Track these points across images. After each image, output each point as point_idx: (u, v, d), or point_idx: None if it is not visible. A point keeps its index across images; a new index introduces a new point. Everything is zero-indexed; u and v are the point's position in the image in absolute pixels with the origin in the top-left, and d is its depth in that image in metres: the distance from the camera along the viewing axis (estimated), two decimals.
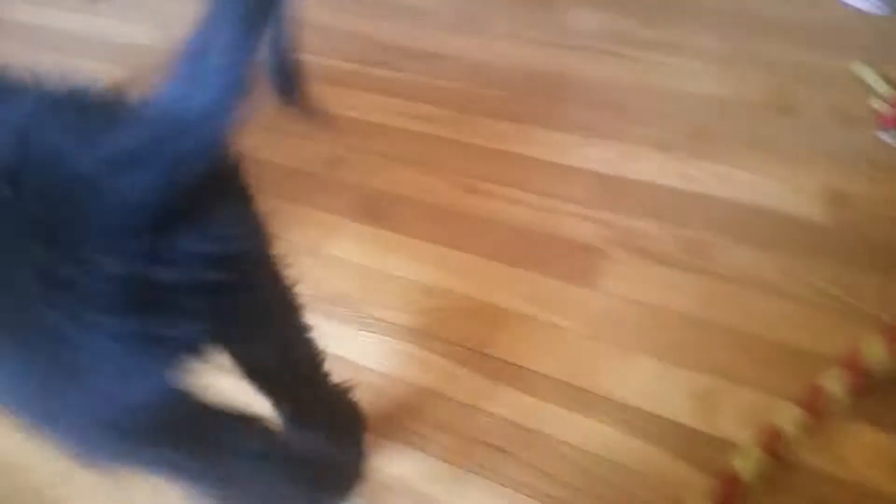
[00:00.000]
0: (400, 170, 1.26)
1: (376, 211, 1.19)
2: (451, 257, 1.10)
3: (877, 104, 1.21)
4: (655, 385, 0.91)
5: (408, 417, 0.92)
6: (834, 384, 0.85)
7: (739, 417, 0.87)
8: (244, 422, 0.63)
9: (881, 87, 1.24)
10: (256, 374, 0.70)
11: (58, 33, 1.75)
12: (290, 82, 0.59)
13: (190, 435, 0.57)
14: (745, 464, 0.81)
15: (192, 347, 0.51)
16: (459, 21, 1.59)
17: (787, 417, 0.84)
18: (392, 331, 1.02)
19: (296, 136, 1.36)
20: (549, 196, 1.17)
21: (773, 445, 0.82)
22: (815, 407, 0.84)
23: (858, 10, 1.43)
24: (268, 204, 0.70)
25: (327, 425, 0.78)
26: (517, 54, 1.46)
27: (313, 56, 1.55)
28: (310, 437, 0.74)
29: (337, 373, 0.96)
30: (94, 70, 1.57)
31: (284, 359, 0.72)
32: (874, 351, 0.87)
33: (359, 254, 1.13)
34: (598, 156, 1.23)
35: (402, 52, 1.53)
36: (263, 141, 1.36)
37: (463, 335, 1.00)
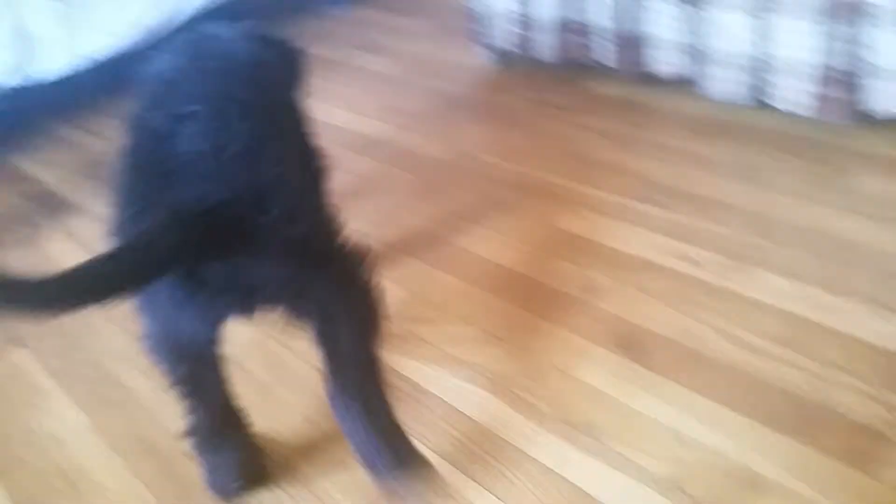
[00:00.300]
0: (661, 308, 1.25)
1: (631, 345, 1.19)
2: (709, 409, 1.06)
3: None
4: None
5: None
6: None
7: None
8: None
9: None
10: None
11: None
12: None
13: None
14: None
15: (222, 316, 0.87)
16: (738, 170, 1.57)
17: None
18: (635, 472, 0.99)
19: (557, 256, 1.41)
20: (828, 365, 1.09)
21: None
22: None
23: None
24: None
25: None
26: (800, 212, 1.41)
27: (577, 185, 1.61)
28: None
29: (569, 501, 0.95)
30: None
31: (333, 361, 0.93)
32: None
33: (609, 384, 1.13)
34: (888, 331, 1.13)
35: (672, 192, 1.54)
36: (525, 257, 1.42)
37: (713, 495, 0.94)
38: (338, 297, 0.90)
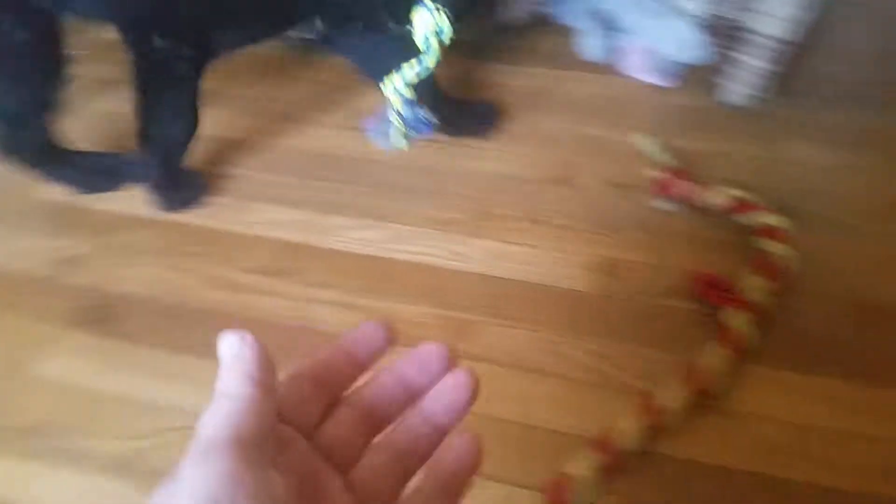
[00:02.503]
0: (141, 268, 1.18)
1: (105, 317, 1.11)
2: (188, 365, 1.02)
3: (653, 173, 1.25)
4: None
5: None
6: (582, 467, 0.82)
7: None
8: None
9: (659, 156, 1.28)
10: None
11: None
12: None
13: None
14: None
15: None
16: (246, 103, 1.54)
17: None
18: (85, 463, 0.93)
19: (36, 232, 1.26)
20: (312, 285, 1.12)
21: None
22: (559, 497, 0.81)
23: (643, 83, 1.50)
24: None
25: None
26: (299, 137, 1.42)
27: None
28: None
29: None
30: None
31: None
32: (625, 427, 0.85)
33: (74, 370, 1.04)
34: (370, 239, 1.20)
35: None
36: None
37: None
38: None
